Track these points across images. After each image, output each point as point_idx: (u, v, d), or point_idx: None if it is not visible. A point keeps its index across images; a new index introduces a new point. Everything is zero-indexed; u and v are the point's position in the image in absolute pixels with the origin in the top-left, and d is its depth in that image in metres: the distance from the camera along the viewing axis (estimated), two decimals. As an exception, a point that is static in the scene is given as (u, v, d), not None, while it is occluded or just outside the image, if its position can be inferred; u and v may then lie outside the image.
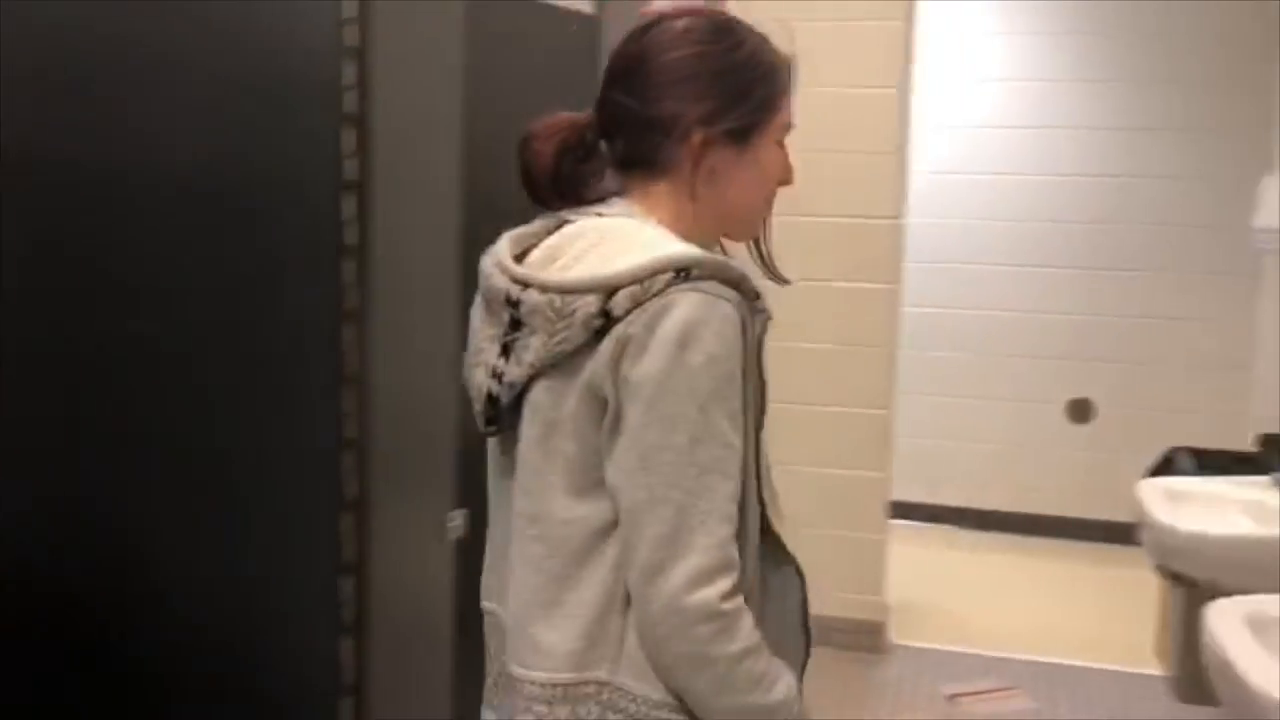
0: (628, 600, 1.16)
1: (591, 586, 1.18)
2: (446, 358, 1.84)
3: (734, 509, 1.15)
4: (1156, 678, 3.28)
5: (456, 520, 1.97)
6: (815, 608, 1.27)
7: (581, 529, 1.18)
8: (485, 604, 1.33)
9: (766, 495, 1.22)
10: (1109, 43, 4.82)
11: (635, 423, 1.13)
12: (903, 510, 4.26)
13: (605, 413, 1.15)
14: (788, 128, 1.30)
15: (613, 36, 1.89)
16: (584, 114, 1.28)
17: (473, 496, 1.48)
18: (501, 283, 1.21)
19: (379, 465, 1.84)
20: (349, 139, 1.78)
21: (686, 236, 1.22)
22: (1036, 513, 4.90)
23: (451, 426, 1.94)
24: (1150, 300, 4.78)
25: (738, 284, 1.15)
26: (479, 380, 1.24)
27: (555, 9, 2.04)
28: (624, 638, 1.17)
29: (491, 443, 1.30)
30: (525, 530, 1.22)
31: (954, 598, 4.27)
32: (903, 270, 3.85)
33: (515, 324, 1.19)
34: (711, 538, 1.12)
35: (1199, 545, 2.62)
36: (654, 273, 1.12)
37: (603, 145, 1.27)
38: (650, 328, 1.12)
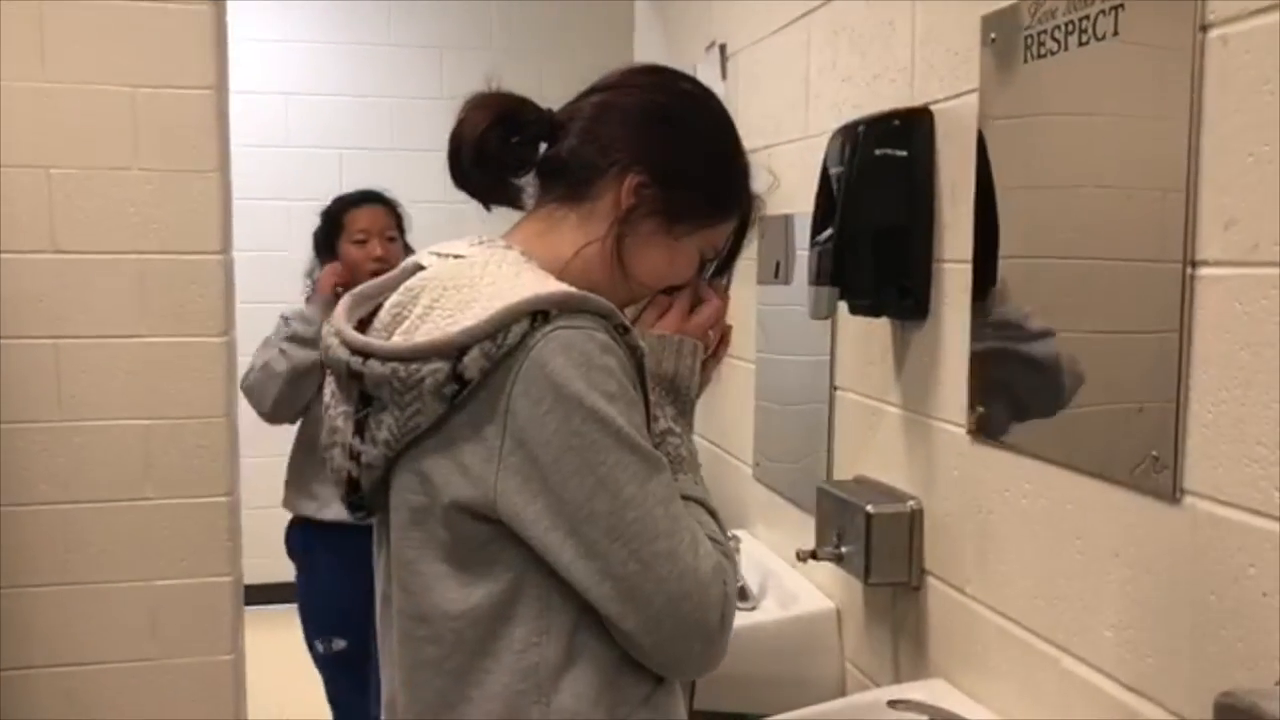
0: (542, 684, 1.07)
1: (499, 677, 1.07)
2: None
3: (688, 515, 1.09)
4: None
5: None
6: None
7: (477, 619, 1.07)
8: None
9: None
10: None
11: (576, 500, 1.02)
12: (260, 594, 3.56)
13: (490, 495, 1.04)
14: (718, 254, 1.25)
15: None
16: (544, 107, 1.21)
17: None
18: (341, 354, 1.09)
19: None
20: None
21: (561, 277, 1.13)
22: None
23: None
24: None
25: (606, 315, 1.06)
26: (338, 462, 1.13)
27: None
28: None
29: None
30: (414, 631, 1.11)
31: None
32: (235, 316, 2.99)
33: (365, 399, 1.09)
34: (709, 559, 1.06)
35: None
36: (506, 323, 1.02)
37: (542, 147, 1.20)
38: (529, 394, 1.02)
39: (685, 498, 1.12)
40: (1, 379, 2.99)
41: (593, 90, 1.21)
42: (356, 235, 2.92)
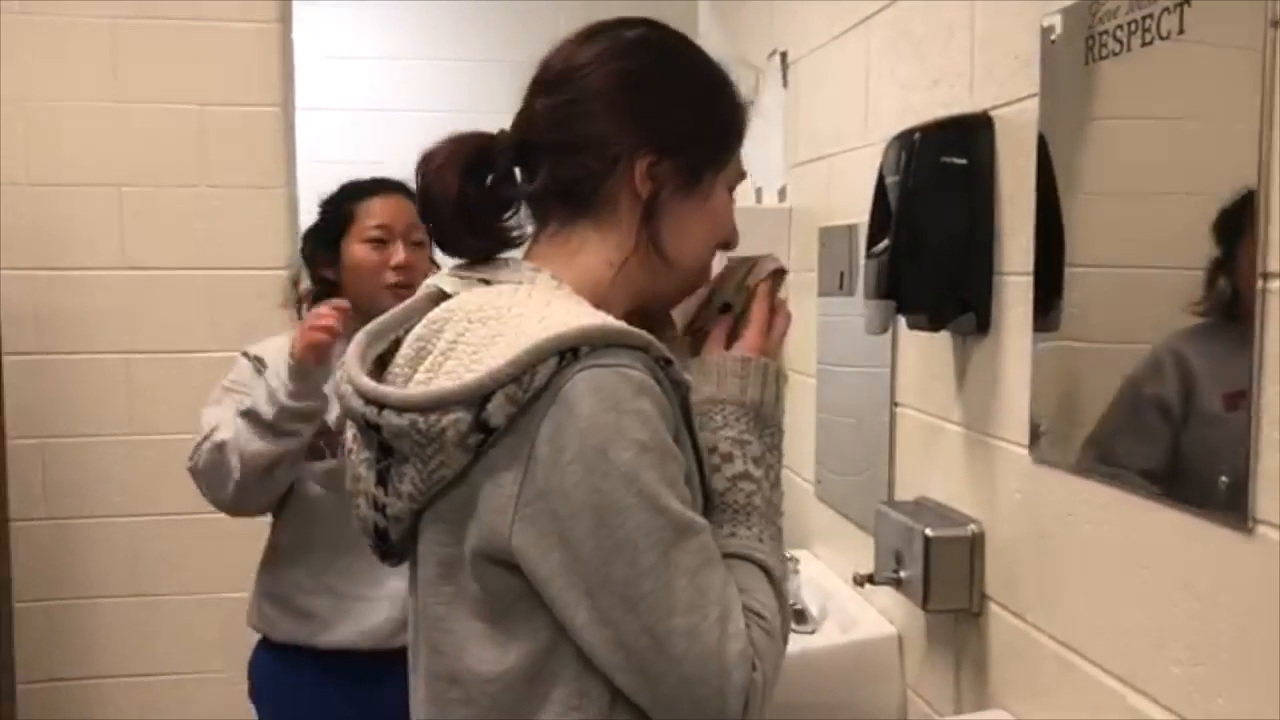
0: None
1: None
2: None
3: (734, 585, 0.98)
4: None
5: None
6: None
7: (512, 681, 0.99)
8: None
9: None
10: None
11: (591, 564, 0.93)
12: None
13: (507, 547, 0.96)
14: (740, 177, 1.15)
15: None
16: (497, 132, 1.11)
17: None
18: (356, 404, 1.01)
19: None
20: None
21: (605, 300, 1.06)
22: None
23: None
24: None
25: (643, 348, 0.97)
26: (363, 511, 1.06)
27: None
28: None
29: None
30: (445, 694, 1.04)
31: None
32: (301, 331, 3.01)
33: (385, 449, 1.01)
34: (738, 640, 0.95)
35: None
36: (531, 364, 0.93)
37: (518, 173, 1.10)
38: (554, 440, 0.93)
39: (739, 557, 1.02)
40: (75, 394, 3.05)
41: (540, 92, 1.09)
42: (371, 232, 2.04)
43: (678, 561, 0.94)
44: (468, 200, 1.07)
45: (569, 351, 0.94)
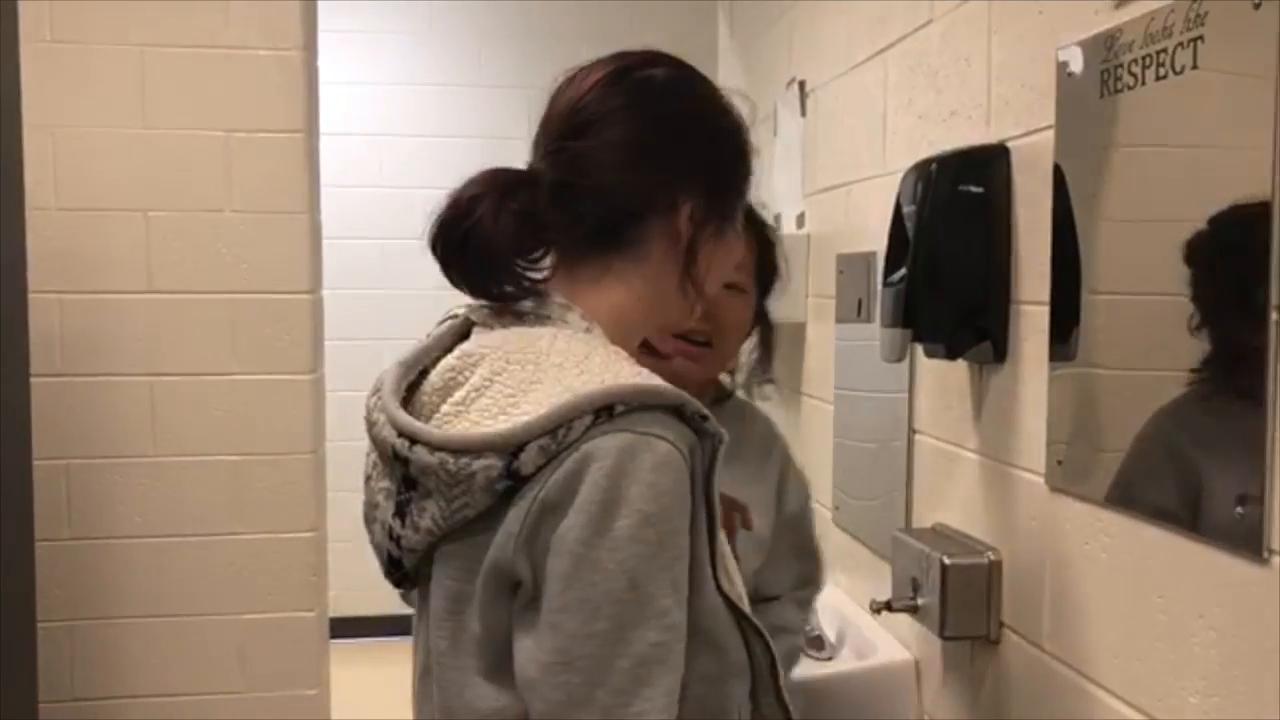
0: None
1: None
2: None
3: (676, 707, 0.95)
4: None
5: None
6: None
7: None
8: None
9: (755, 649, 1.05)
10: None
11: (552, 606, 0.94)
12: (347, 628, 3.58)
13: (516, 591, 0.97)
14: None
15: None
16: (527, 169, 1.10)
17: None
18: (387, 434, 1.02)
19: None
20: None
21: (630, 332, 1.10)
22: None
23: None
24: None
25: (677, 409, 0.98)
26: (378, 538, 1.08)
27: None
28: None
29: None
30: None
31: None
32: (323, 355, 3.05)
33: (408, 481, 1.02)
34: None
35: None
36: (567, 420, 0.94)
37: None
38: (568, 489, 0.94)
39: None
40: (100, 415, 3.08)
41: (578, 132, 1.07)
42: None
43: (629, 641, 0.92)
44: (506, 233, 1.04)
45: (604, 409, 0.95)
